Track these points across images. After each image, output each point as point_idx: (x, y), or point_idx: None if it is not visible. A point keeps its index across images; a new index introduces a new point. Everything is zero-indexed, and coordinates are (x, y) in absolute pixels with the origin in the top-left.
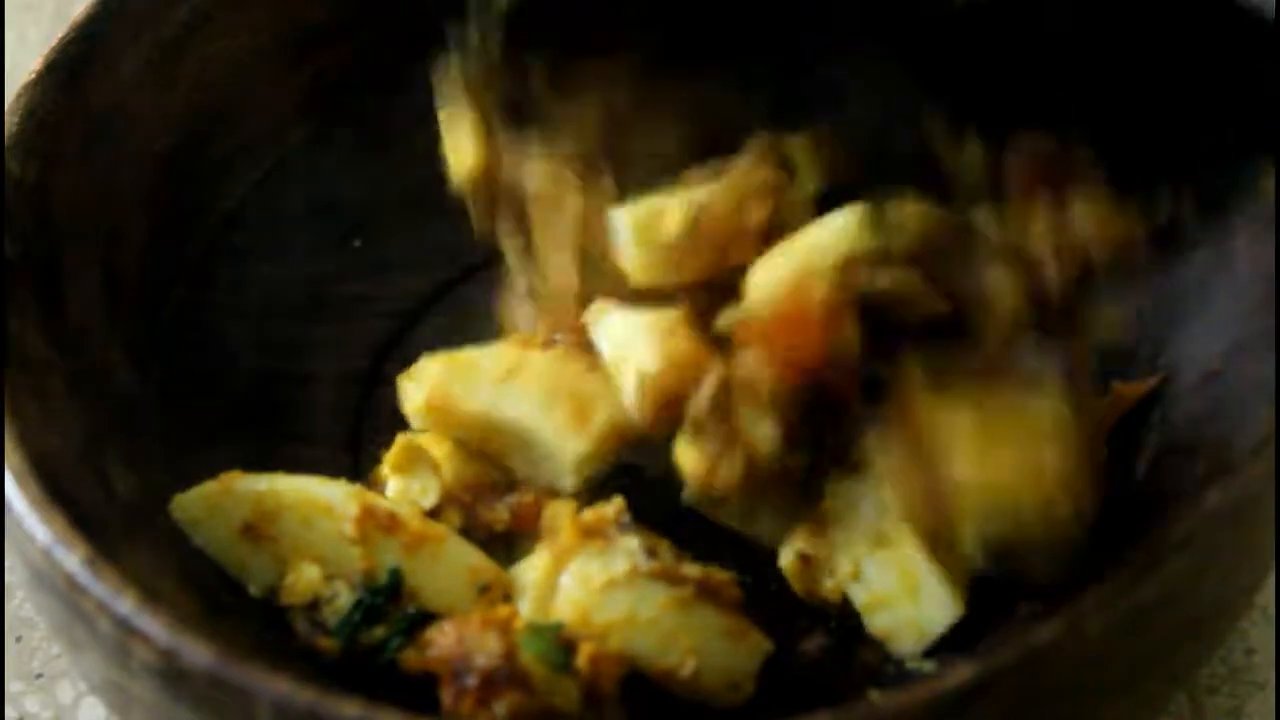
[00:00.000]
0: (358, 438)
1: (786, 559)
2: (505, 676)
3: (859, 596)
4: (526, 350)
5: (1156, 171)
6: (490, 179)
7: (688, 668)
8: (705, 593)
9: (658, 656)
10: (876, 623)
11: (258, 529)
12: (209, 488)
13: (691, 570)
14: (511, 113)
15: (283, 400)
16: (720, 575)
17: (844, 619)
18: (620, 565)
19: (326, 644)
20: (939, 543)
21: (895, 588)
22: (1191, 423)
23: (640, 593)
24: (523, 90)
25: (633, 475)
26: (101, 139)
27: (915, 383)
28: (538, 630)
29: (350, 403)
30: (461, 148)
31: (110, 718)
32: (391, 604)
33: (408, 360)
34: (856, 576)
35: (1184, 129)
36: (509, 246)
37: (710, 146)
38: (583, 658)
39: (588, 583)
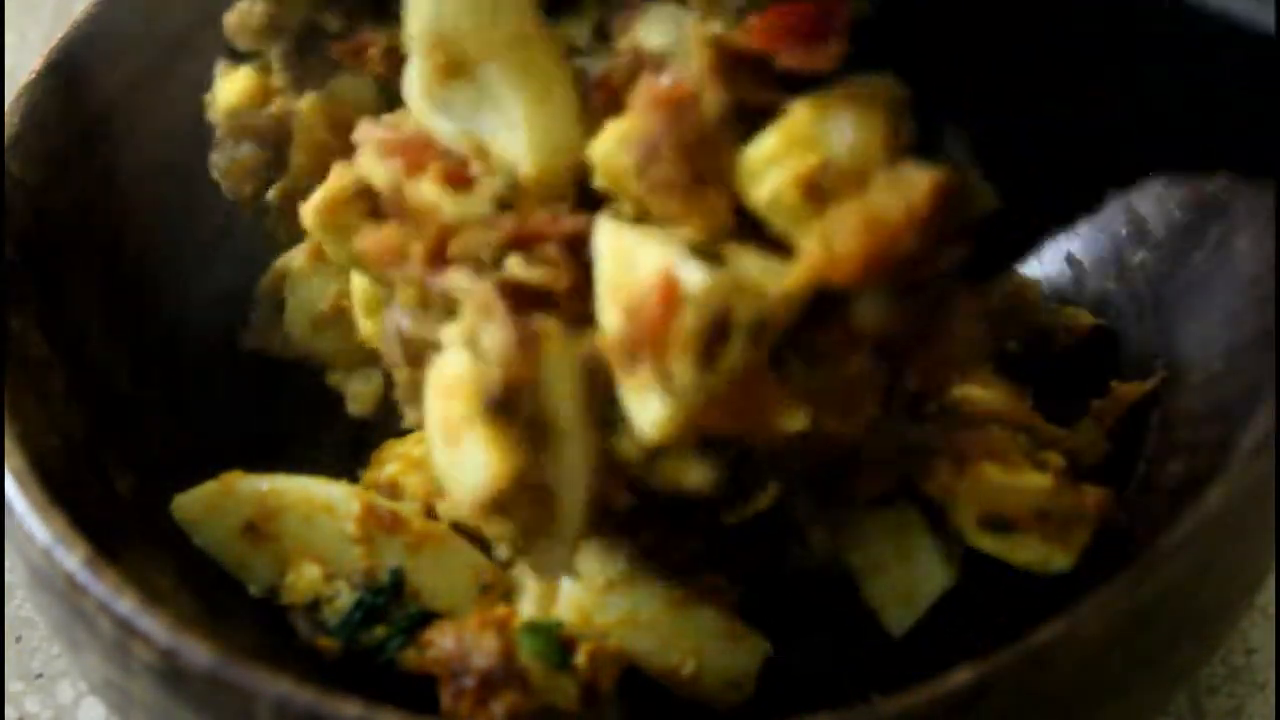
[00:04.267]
0: (358, 438)
1: None
2: (503, 676)
3: (855, 560)
4: None
5: None
6: (253, 117)
7: (687, 668)
8: (704, 594)
9: (657, 657)
10: (870, 589)
11: (258, 529)
12: (209, 488)
13: None
14: (295, 62)
15: (283, 400)
16: (719, 577)
17: (843, 619)
18: (620, 566)
19: (326, 644)
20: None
21: (890, 553)
22: (1191, 423)
23: (640, 594)
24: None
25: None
26: (101, 139)
27: None
28: (535, 629)
29: None
30: (230, 83)
31: (110, 718)
32: (392, 604)
33: None
34: (855, 540)
35: None
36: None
37: None
38: (582, 656)
39: (588, 584)
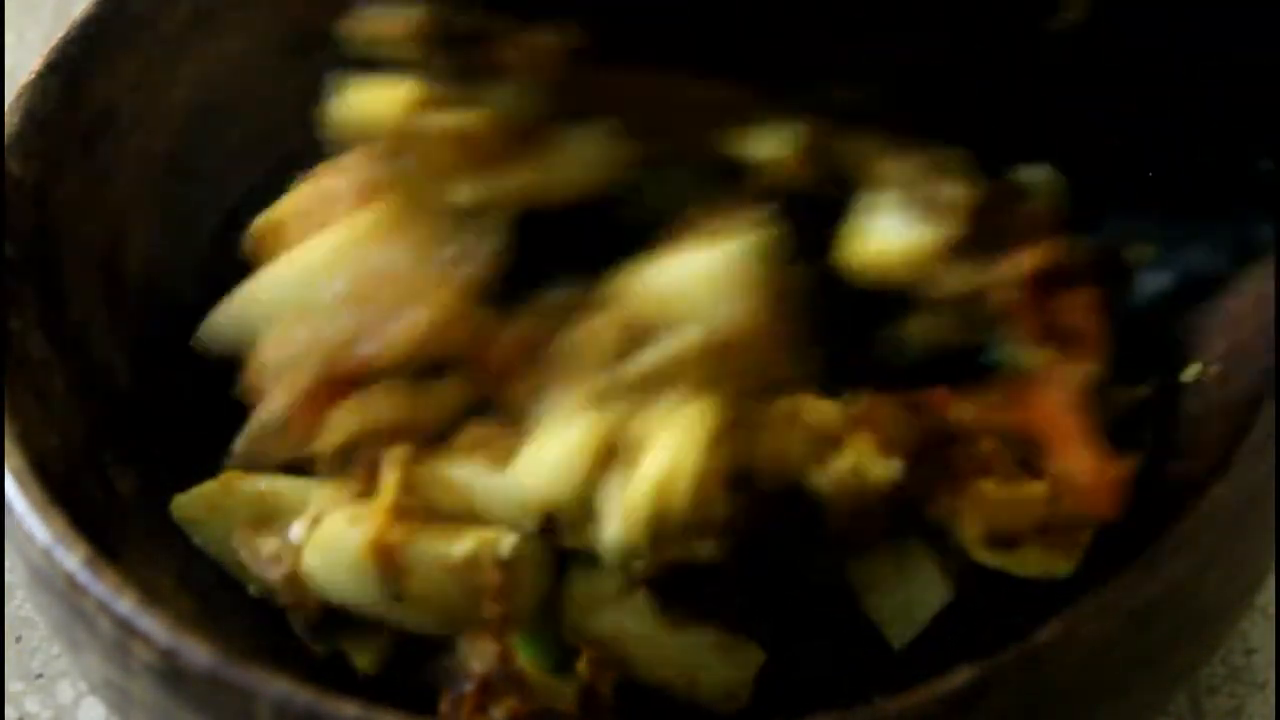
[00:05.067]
0: None
1: None
2: (502, 681)
3: (855, 576)
4: None
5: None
6: (405, 135)
7: (681, 681)
8: (698, 608)
9: (650, 670)
10: (871, 604)
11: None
12: (209, 488)
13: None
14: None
15: None
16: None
17: (844, 623)
18: (609, 582)
19: (320, 648)
20: None
21: (890, 569)
22: (1191, 423)
23: (629, 609)
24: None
25: None
26: (101, 139)
27: None
28: (534, 634)
29: None
30: (375, 96)
31: (110, 718)
32: None
33: None
34: (855, 556)
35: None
36: None
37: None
38: (581, 661)
39: (575, 600)
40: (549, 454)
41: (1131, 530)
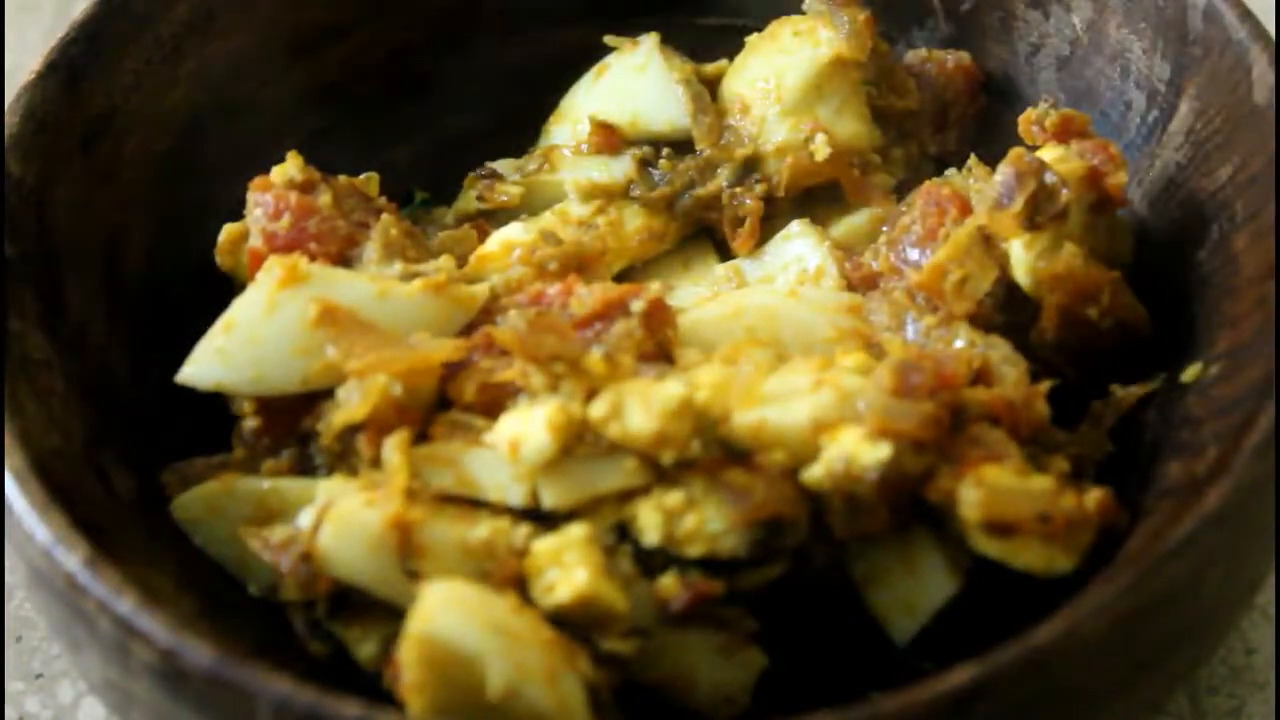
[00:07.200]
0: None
1: None
2: None
3: (858, 570)
4: None
5: None
6: None
7: (681, 682)
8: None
9: (651, 671)
10: (874, 598)
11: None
12: (209, 488)
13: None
14: None
15: None
16: (713, 584)
17: (846, 620)
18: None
19: (317, 647)
20: None
21: (895, 562)
22: (1191, 423)
23: (635, 609)
24: None
25: None
26: (101, 139)
27: None
28: None
29: None
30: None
31: (110, 718)
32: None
33: None
34: (859, 550)
35: None
36: None
37: None
38: (583, 662)
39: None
40: (529, 424)
41: (1131, 530)
